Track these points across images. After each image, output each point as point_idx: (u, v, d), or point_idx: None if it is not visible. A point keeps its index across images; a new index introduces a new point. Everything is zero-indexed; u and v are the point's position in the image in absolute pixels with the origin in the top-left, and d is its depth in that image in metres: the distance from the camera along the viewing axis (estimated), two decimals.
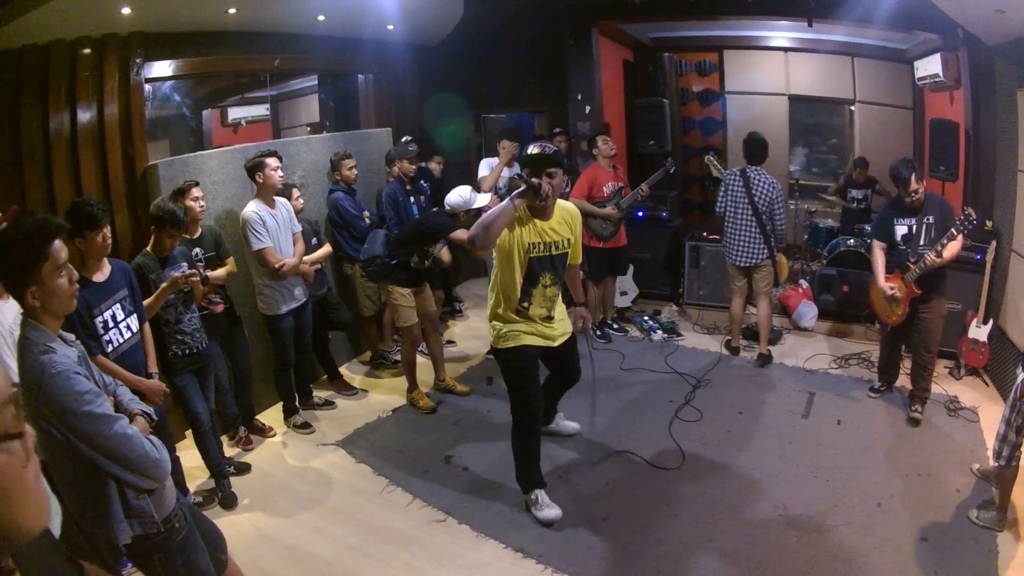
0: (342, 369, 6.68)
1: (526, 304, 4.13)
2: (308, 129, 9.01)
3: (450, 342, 7.46)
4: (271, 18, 6.52)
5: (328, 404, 6.08)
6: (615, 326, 7.58)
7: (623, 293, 8.01)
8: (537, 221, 4.01)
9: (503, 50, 9.17)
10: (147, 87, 5.68)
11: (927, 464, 4.67)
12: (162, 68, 5.89)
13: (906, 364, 5.63)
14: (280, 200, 5.38)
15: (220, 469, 4.66)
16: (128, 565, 3.02)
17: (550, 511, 4.23)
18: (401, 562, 3.97)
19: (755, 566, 3.76)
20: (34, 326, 2.33)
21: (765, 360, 6.49)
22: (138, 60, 5.39)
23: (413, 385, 6.00)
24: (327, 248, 6.02)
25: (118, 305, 3.57)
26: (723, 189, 6.48)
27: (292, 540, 4.23)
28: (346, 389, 6.34)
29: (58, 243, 2.35)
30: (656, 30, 10.19)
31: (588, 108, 8.68)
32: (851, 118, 9.78)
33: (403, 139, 7.18)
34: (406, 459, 5.13)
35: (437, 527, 4.30)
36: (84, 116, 5.05)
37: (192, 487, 4.74)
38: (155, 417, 2.75)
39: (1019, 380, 3.66)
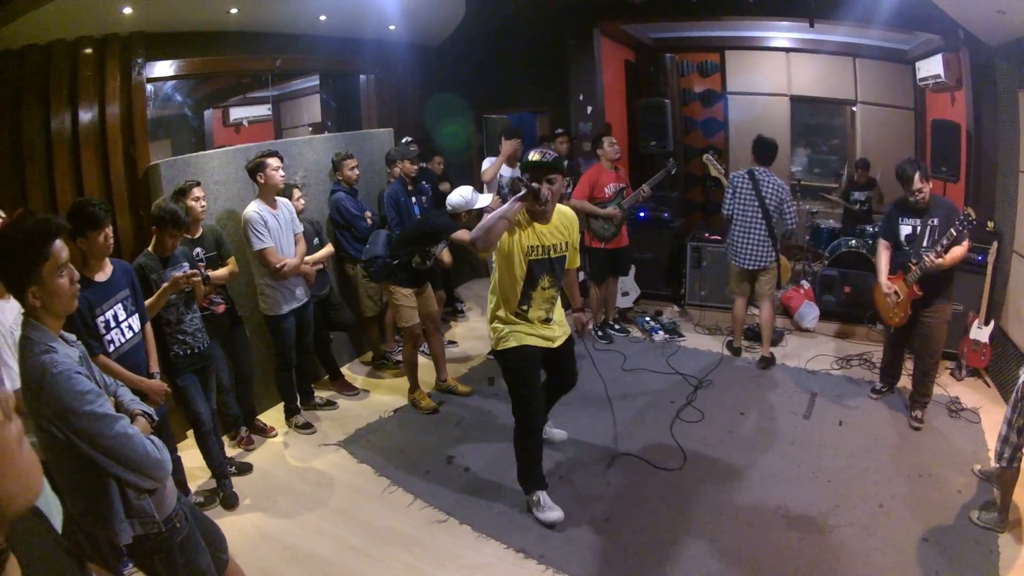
0: (344, 369, 6.68)
1: (525, 307, 4.16)
2: (310, 129, 9.03)
3: (452, 342, 7.46)
4: (272, 18, 6.53)
5: (330, 404, 6.08)
6: (616, 327, 7.57)
7: (625, 294, 8.01)
8: (536, 225, 4.05)
9: (505, 50, 9.18)
10: (149, 87, 5.69)
11: (928, 465, 4.66)
12: (164, 68, 5.90)
13: (908, 366, 5.64)
14: (282, 200, 5.38)
15: (221, 469, 4.66)
16: (129, 565, 3.02)
17: (552, 513, 4.23)
18: (402, 562, 3.97)
19: (756, 566, 3.75)
20: (35, 326, 2.33)
21: (767, 363, 6.47)
22: (139, 60, 5.40)
23: (415, 385, 6.00)
24: (329, 248, 6.02)
25: (120, 305, 3.57)
26: (730, 191, 6.38)
27: (293, 540, 4.23)
28: (348, 389, 6.34)
29: (59, 243, 2.35)
30: (658, 30, 10.20)
31: (590, 108, 8.69)
32: (852, 119, 9.78)
33: (403, 140, 7.18)
34: (407, 459, 5.13)
35: (438, 527, 4.30)
36: (85, 116, 5.06)
37: (193, 487, 4.75)
38: (156, 417, 2.75)
39: (1020, 381, 3.66)
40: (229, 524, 4.10)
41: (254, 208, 5.14)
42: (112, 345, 3.52)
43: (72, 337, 2.55)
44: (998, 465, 3.81)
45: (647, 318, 7.76)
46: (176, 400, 4.41)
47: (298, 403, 5.81)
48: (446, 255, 5.96)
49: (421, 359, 6.20)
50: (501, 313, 4.20)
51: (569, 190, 7.14)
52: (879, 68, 9.13)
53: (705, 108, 10.64)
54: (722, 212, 6.51)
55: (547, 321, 4.27)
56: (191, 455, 4.70)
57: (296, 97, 9.51)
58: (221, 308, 4.91)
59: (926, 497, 4.29)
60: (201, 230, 4.90)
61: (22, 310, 2.39)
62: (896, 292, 5.11)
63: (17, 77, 4.76)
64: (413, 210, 6.15)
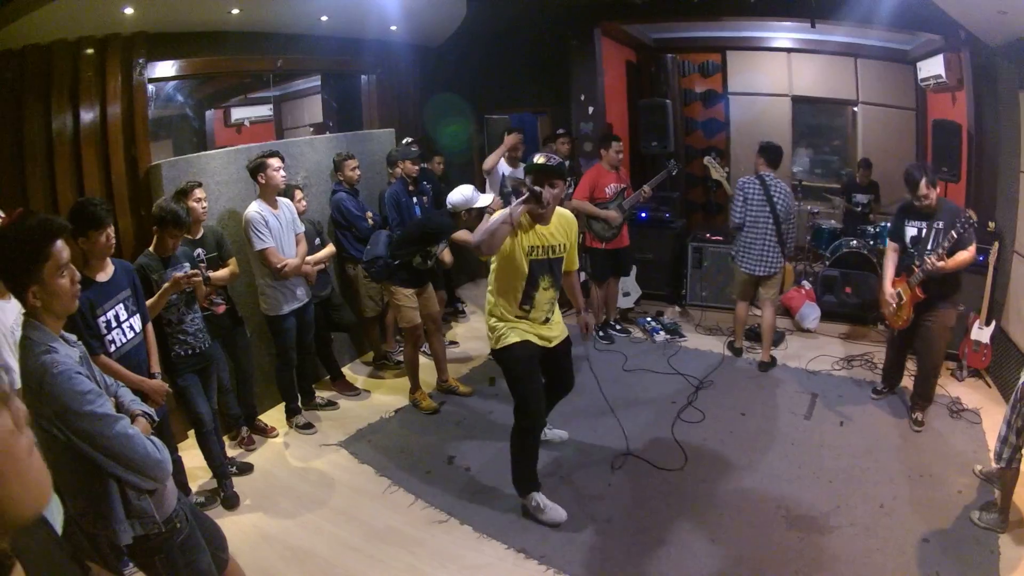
0: (345, 370, 6.69)
1: (528, 307, 4.18)
2: (311, 130, 9.02)
3: (452, 343, 7.47)
4: (274, 19, 6.53)
5: (330, 404, 6.08)
6: (618, 327, 7.57)
7: (626, 294, 8.01)
8: (537, 226, 4.08)
9: (506, 51, 9.17)
10: (150, 87, 5.69)
11: (929, 465, 4.66)
12: (165, 68, 5.90)
13: (911, 367, 5.63)
14: (283, 201, 5.39)
15: (222, 469, 4.66)
16: (130, 565, 3.02)
17: (555, 512, 4.23)
18: (403, 563, 3.97)
19: (757, 567, 3.76)
20: (36, 326, 2.33)
21: (767, 367, 6.46)
22: (141, 60, 5.39)
23: (415, 386, 6.01)
24: (330, 248, 6.02)
25: (121, 305, 3.57)
26: (741, 197, 6.28)
27: (294, 540, 4.23)
28: (348, 390, 6.35)
29: (60, 243, 2.35)
30: (659, 31, 10.20)
31: (591, 109, 8.69)
32: (854, 119, 9.77)
33: (404, 140, 7.18)
34: (408, 460, 5.14)
35: (439, 528, 4.30)
36: (87, 116, 5.05)
37: (194, 487, 4.75)
38: (156, 418, 2.75)
39: (1021, 382, 3.66)
40: (230, 524, 4.10)
41: (255, 208, 5.15)
42: (113, 345, 3.52)
43: (73, 337, 2.55)
44: (998, 466, 3.81)
45: (648, 319, 7.75)
46: (177, 400, 4.42)
47: (299, 403, 5.82)
48: (447, 255, 5.97)
49: (422, 359, 6.21)
50: (500, 312, 4.21)
51: (570, 191, 7.15)
52: (880, 68, 9.13)
53: (706, 108, 10.64)
54: (732, 220, 6.38)
55: (546, 321, 4.29)
56: (192, 455, 4.70)
57: (297, 97, 9.49)
58: (222, 309, 4.92)
59: (927, 498, 4.29)
60: (202, 231, 4.91)
61: (23, 310, 2.39)
62: (899, 295, 5.10)
63: (18, 77, 4.75)
64: (414, 210, 6.15)
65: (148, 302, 3.89)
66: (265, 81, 8.22)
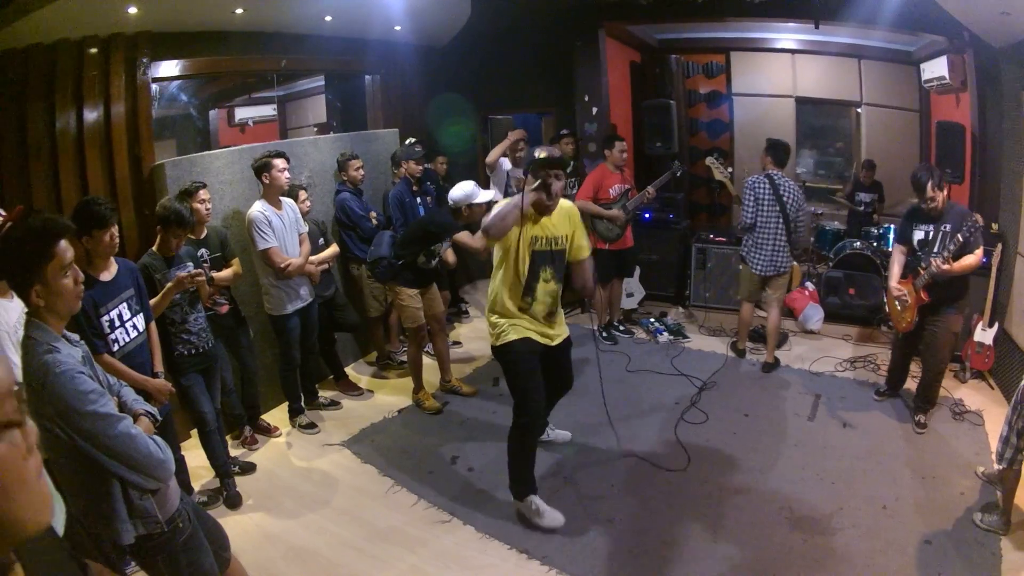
0: (348, 369, 6.69)
1: (530, 299, 4.13)
2: (315, 129, 9.04)
3: (456, 343, 7.47)
4: (278, 19, 6.54)
5: (334, 404, 6.09)
6: (621, 328, 7.56)
7: (629, 295, 8.01)
8: (540, 217, 4.07)
9: (510, 51, 9.17)
10: (154, 87, 5.70)
11: (932, 467, 4.66)
12: (169, 68, 5.91)
13: (915, 369, 5.62)
14: (287, 201, 5.40)
15: (225, 469, 4.67)
16: (132, 564, 3.03)
17: (553, 516, 4.19)
18: (405, 563, 3.98)
19: (760, 568, 3.75)
20: (38, 326, 2.34)
21: (771, 368, 6.45)
22: (145, 60, 5.41)
23: (419, 386, 6.01)
24: (334, 248, 6.03)
25: (124, 304, 3.58)
26: (751, 197, 6.23)
27: (296, 540, 4.24)
28: (352, 389, 6.35)
29: (64, 243, 2.35)
30: (663, 32, 10.21)
31: (595, 110, 8.68)
32: (858, 120, 9.76)
33: (408, 140, 7.19)
34: (411, 460, 5.14)
35: (442, 528, 4.30)
36: (91, 116, 5.06)
37: (197, 486, 4.76)
38: (159, 417, 2.76)
39: (1023, 383, 3.66)
40: (232, 523, 4.12)
41: (258, 208, 5.16)
42: (116, 344, 3.53)
43: (75, 337, 2.55)
44: (1000, 467, 3.81)
45: (652, 319, 7.75)
46: (180, 399, 4.42)
47: (302, 403, 5.83)
48: (450, 255, 5.98)
49: (425, 359, 6.21)
50: (502, 308, 4.18)
51: (573, 191, 7.16)
52: (884, 69, 9.12)
53: (710, 109, 10.63)
54: (743, 220, 6.33)
55: (550, 315, 4.26)
56: (195, 454, 4.71)
57: (301, 97, 9.52)
58: (225, 309, 4.93)
59: (930, 499, 4.29)
60: (206, 231, 4.92)
61: (25, 309, 2.40)
62: (906, 295, 5.09)
63: (22, 76, 4.77)
64: (418, 210, 6.14)
65: (152, 301, 3.89)
66: (269, 81, 8.24)
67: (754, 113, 10.17)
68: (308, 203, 5.84)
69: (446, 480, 4.83)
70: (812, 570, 3.70)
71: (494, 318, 4.23)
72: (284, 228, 5.27)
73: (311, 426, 5.67)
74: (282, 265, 5.17)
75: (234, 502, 4.62)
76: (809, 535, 4.00)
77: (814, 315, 7.35)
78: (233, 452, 5.13)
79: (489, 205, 5.33)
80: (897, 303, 5.18)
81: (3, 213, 3.44)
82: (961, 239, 4.66)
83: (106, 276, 3.53)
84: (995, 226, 6.10)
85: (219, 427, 4.65)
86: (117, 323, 3.53)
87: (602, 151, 7.23)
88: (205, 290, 4.42)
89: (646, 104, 9.11)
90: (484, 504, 4.50)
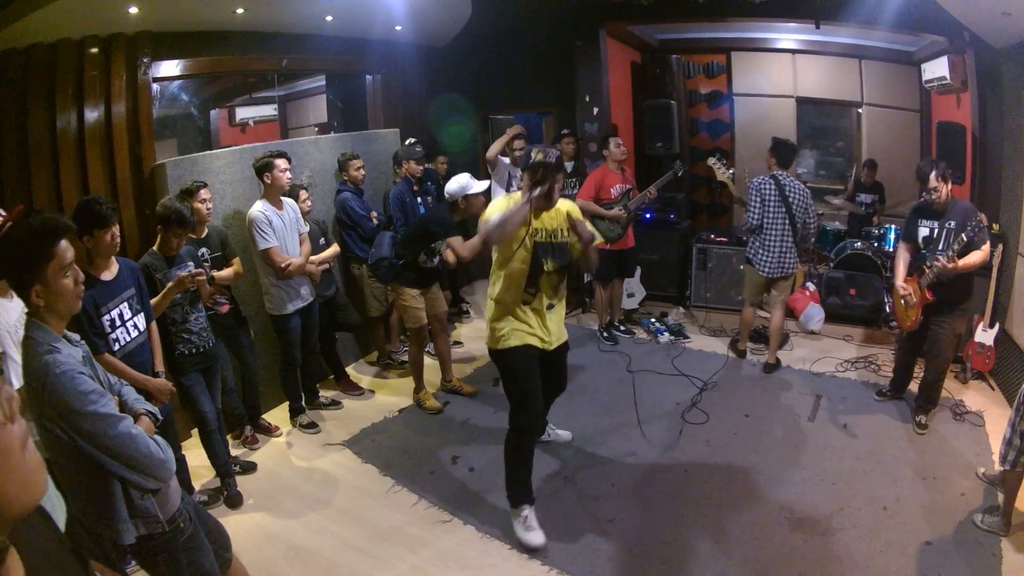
0: (349, 369, 6.69)
1: (533, 290, 4.10)
2: (316, 129, 9.02)
3: (457, 343, 7.46)
4: (279, 18, 6.54)
5: (334, 404, 6.09)
6: (622, 328, 7.56)
7: (630, 295, 8.01)
8: (540, 211, 4.07)
9: (511, 51, 9.17)
10: (155, 86, 5.69)
11: (932, 468, 4.66)
12: (170, 68, 5.90)
13: (917, 369, 5.62)
14: (288, 201, 5.40)
15: (226, 468, 4.67)
16: (132, 564, 3.03)
17: (535, 536, 4.07)
18: (406, 563, 3.98)
19: (760, 569, 3.75)
20: (38, 326, 2.33)
21: (772, 369, 6.45)
22: (146, 59, 5.41)
23: (420, 386, 6.02)
24: (335, 248, 6.03)
25: (125, 304, 3.58)
26: (757, 199, 6.17)
27: (297, 540, 4.24)
28: (353, 389, 6.36)
29: (64, 243, 2.35)
30: (664, 32, 10.21)
31: (596, 110, 8.68)
32: (858, 120, 9.76)
33: (408, 140, 7.19)
34: (412, 459, 5.14)
35: (442, 528, 4.30)
36: (91, 115, 5.06)
37: (197, 485, 4.76)
38: (160, 417, 2.76)
39: None
40: (233, 523, 4.12)
41: (259, 208, 5.16)
42: (117, 344, 3.53)
43: (76, 337, 2.55)
44: (1002, 468, 3.80)
45: (652, 319, 7.75)
46: (181, 399, 4.42)
47: (303, 402, 5.83)
48: (449, 254, 5.98)
49: (426, 359, 6.21)
50: (504, 304, 4.14)
51: (573, 191, 7.16)
52: (885, 70, 9.12)
53: (711, 109, 10.64)
54: (749, 221, 6.26)
55: (551, 307, 4.21)
56: (196, 454, 4.71)
57: (302, 97, 9.49)
58: (225, 308, 4.93)
59: (930, 500, 4.29)
60: (206, 230, 4.93)
61: (25, 309, 2.40)
62: (912, 294, 5.08)
63: (23, 76, 4.77)
64: (419, 210, 6.14)
65: (152, 301, 3.89)
66: (270, 81, 8.22)
67: (755, 113, 10.18)
68: (309, 203, 5.84)
69: (447, 480, 4.84)
70: (812, 571, 3.70)
71: (495, 320, 4.19)
72: (285, 228, 5.27)
73: (312, 426, 5.68)
74: (283, 265, 5.17)
75: (235, 501, 4.63)
76: (809, 535, 4.00)
77: (815, 315, 7.35)
78: (234, 451, 5.13)
79: (486, 196, 5.35)
80: (903, 301, 5.17)
81: (3, 213, 3.44)
82: (966, 239, 4.65)
83: (107, 276, 3.53)
84: (996, 226, 6.09)
85: (220, 426, 4.65)
86: (118, 322, 3.53)
87: (600, 151, 7.23)
88: (206, 289, 4.42)
89: (647, 104, 9.12)
90: (485, 504, 4.50)
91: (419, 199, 6.21)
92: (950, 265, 4.69)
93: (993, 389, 5.82)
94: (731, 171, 7.08)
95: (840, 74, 9.52)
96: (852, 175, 9.32)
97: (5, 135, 4.73)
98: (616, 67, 9.09)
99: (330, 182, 6.65)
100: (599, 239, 4.31)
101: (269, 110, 8.88)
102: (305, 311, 5.54)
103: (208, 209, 4.92)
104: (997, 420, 5.10)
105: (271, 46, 6.86)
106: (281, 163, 5.19)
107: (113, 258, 3.59)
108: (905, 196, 8.43)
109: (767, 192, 6.14)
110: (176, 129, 7.74)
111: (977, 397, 5.70)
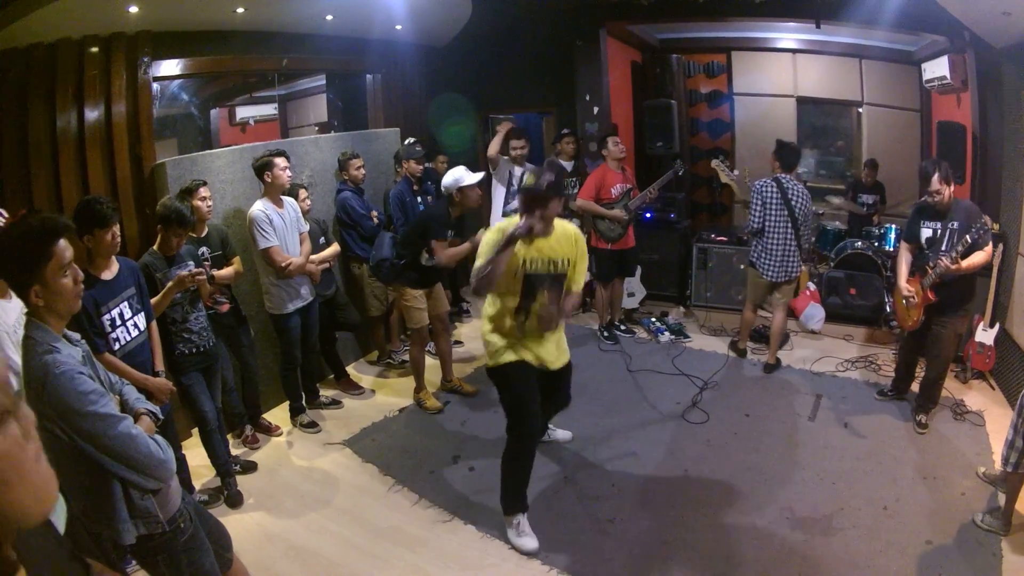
0: (349, 369, 6.69)
1: (522, 317, 3.99)
2: (316, 129, 9.02)
3: (457, 342, 7.46)
4: (279, 18, 6.53)
5: (335, 403, 6.09)
6: (622, 328, 7.56)
7: (630, 295, 8.01)
8: (536, 240, 3.89)
9: (511, 51, 9.16)
10: (155, 86, 5.69)
11: (933, 468, 4.66)
12: (170, 67, 5.90)
13: (917, 369, 5.62)
14: (288, 200, 5.40)
15: (226, 468, 4.67)
16: (133, 564, 3.03)
17: (529, 541, 4.04)
18: (406, 562, 3.98)
19: (760, 569, 3.75)
20: (38, 326, 2.33)
21: (772, 369, 6.44)
22: (146, 59, 5.40)
23: (420, 385, 6.01)
24: (335, 248, 6.04)
25: (126, 303, 3.58)
26: (759, 202, 6.16)
27: (297, 539, 4.24)
28: (353, 389, 6.36)
29: (63, 242, 2.35)
30: (664, 31, 10.20)
31: (596, 109, 8.67)
32: (859, 120, 9.75)
33: (408, 140, 7.19)
34: (412, 459, 5.14)
35: (443, 527, 4.31)
36: (91, 115, 5.06)
37: (198, 485, 4.76)
38: (160, 416, 2.76)
39: None
40: (233, 523, 4.12)
41: (259, 207, 5.16)
42: (117, 343, 3.53)
43: (76, 336, 2.54)
44: (1005, 469, 3.80)
45: (653, 319, 7.76)
46: (181, 398, 4.42)
47: (303, 402, 5.83)
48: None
49: (427, 359, 6.21)
50: (497, 319, 4.06)
51: (574, 191, 7.16)
52: (885, 69, 9.11)
53: (711, 109, 10.64)
54: (751, 224, 6.26)
55: (543, 336, 4.11)
56: (196, 453, 4.71)
57: (302, 96, 9.48)
58: (225, 307, 4.93)
59: (930, 500, 4.29)
60: (206, 229, 4.93)
61: (25, 309, 2.39)
62: (914, 294, 5.07)
63: (23, 75, 4.76)
64: (419, 210, 6.14)
65: (152, 300, 3.89)
66: (270, 80, 8.21)
67: (755, 113, 10.18)
68: (309, 202, 5.84)
69: (447, 479, 4.84)
70: (812, 571, 3.70)
71: (490, 335, 4.11)
72: (285, 227, 5.27)
73: (312, 425, 5.68)
74: (283, 264, 5.17)
75: (235, 501, 4.63)
76: (809, 535, 4.00)
77: (815, 315, 7.35)
78: (234, 451, 5.13)
79: (480, 186, 5.41)
80: (905, 302, 5.17)
81: (5, 215, 3.44)
82: (970, 240, 4.64)
83: (107, 275, 3.53)
84: (996, 226, 6.08)
85: (220, 426, 4.65)
86: (118, 322, 3.53)
87: (600, 151, 7.22)
88: (206, 289, 4.42)
89: (647, 104, 9.11)
90: (485, 504, 4.49)
91: (419, 198, 6.21)
92: (953, 266, 4.68)
93: (993, 389, 5.82)
94: (735, 172, 7.08)
95: (840, 74, 9.51)
96: (852, 175, 9.32)
97: (5, 135, 4.73)
98: (616, 67, 9.09)
99: (330, 181, 6.65)
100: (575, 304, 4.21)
101: (269, 109, 8.87)
102: (305, 310, 5.54)
103: (208, 207, 4.92)
104: (997, 420, 5.11)
105: (271, 46, 6.86)
106: (281, 162, 5.19)
107: (113, 257, 3.59)
108: (905, 196, 8.44)
109: (769, 195, 6.12)
110: (176, 128, 7.73)
111: (977, 397, 5.70)
